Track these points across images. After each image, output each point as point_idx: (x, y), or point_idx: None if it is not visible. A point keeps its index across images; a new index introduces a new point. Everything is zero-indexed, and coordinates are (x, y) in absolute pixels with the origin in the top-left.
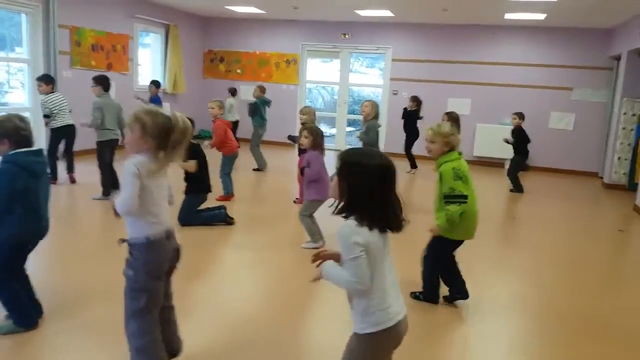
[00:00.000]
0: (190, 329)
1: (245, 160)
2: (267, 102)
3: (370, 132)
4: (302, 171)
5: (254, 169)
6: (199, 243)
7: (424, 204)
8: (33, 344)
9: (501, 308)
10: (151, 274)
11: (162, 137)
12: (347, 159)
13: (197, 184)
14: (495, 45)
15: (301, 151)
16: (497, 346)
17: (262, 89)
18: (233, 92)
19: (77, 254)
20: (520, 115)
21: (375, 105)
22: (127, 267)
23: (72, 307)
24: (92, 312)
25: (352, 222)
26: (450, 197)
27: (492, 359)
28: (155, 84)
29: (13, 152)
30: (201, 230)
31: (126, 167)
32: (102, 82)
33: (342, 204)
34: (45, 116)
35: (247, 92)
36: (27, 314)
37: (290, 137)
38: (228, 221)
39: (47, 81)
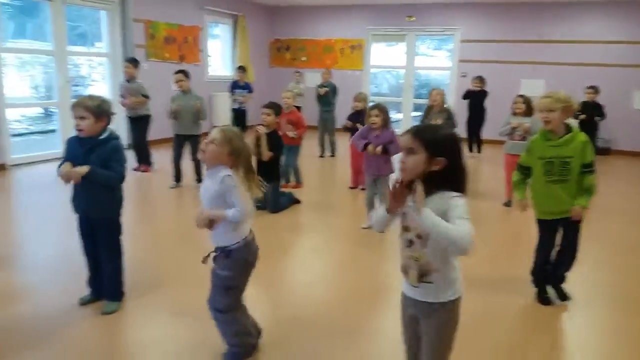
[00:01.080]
0: (255, 312)
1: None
2: None
3: (452, 117)
4: (385, 150)
5: (330, 155)
6: (265, 227)
7: (491, 190)
8: (118, 319)
9: (580, 297)
10: (247, 271)
11: (244, 155)
12: (436, 136)
13: (278, 171)
14: (571, 22)
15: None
16: (585, 334)
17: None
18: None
19: (158, 237)
20: (596, 90)
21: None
22: (221, 269)
23: (151, 286)
24: (169, 292)
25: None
26: (587, 167)
27: (583, 347)
28: (242, 69)
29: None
30: (266, 216)
31: (231, 181)
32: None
33: (442, 181)
34: (146, 96)
35: (312, 79)
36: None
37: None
38: (298, 200)
39: (135, 64)
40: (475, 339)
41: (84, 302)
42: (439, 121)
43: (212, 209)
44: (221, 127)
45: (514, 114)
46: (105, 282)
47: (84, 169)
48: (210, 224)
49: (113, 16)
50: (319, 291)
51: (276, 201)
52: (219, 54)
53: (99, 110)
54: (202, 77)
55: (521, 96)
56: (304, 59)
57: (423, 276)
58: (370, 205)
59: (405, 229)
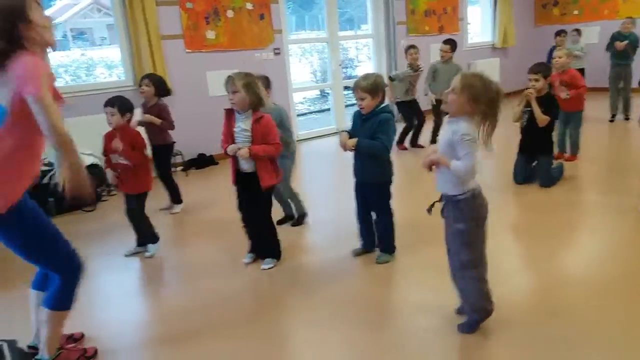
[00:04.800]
0: (507, 289)
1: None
2: None
3: None
4: None
5: (624, 119)
6: (533, 204)
7: None
8: (391, 273)
9: None
10: (479, 224)
11: (490, 104)
12: None
13: (551, 140)
14: None
15: None
16: None
17: None
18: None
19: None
20: None
21: None
22: (454, 221)
23: (416, 247)
24: (430, 253)
25: None
26: None
27: None
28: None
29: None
30: (534, 191)
31: (463, 134)
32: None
33: None
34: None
35: (589, 35)
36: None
37: None
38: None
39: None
40: None
41: (357, 254)
42: None
43: (444, 155)
44: (464, 73)
45: None
46: (378, 237)
47: (353, 141)
48: (430, 166)
49: None
50: (589, 277)
51: (549, 174)
52: (479, 20)
53: (375, 88)
54: (461, 46)
55: None
56: (576, 12)
57: None
58: None
59: None
